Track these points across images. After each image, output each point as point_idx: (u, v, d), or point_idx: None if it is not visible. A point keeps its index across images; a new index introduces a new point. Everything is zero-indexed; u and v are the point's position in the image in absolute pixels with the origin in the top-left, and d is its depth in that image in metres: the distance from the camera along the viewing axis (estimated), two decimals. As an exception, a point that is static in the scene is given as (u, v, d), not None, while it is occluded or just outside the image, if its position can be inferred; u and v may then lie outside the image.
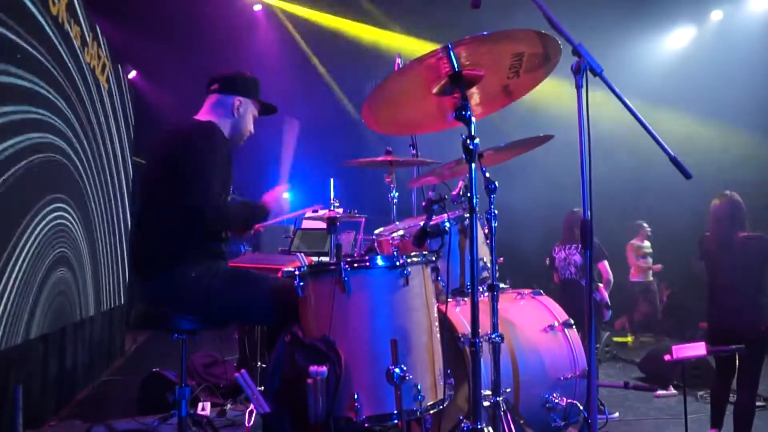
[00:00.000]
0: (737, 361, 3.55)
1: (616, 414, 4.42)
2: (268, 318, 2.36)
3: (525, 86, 2.29)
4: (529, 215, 7.57)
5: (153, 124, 7.57)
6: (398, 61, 3.41)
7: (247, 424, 3.30)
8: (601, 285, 4.66)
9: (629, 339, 7.20)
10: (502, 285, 3.05)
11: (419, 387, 2.03)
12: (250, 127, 2.62)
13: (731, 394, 3.69)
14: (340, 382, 1.97)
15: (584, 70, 1.79)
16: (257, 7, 8.50)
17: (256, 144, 2.90)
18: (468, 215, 2.07)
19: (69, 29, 4.55)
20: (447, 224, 2.42)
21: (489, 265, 2.61)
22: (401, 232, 2.85)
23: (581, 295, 4.64)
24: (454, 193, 2.57)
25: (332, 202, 3.36)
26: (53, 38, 4.16)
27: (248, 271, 2.47)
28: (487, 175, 2.59)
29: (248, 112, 2.59)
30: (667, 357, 3.58)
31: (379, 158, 3.38)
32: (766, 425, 4.03)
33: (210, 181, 2.26)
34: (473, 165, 2.01)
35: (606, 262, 4.65)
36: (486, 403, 2.39)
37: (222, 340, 4.54)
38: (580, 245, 4.71)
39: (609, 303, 4.64)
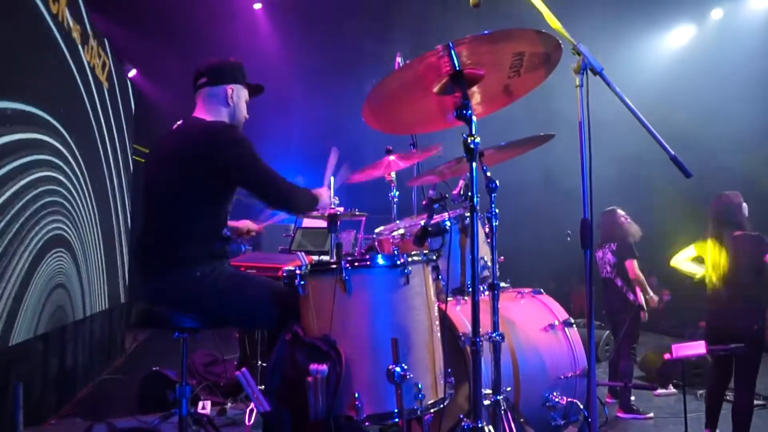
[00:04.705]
0: (734, 361, 3.56)
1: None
2: (268, 322, 2.36)
3: (526, 86, 2.29)
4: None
5: (153, 122, 7.58)
6: (398, 59, 3.40)
7: (247, 423, 3.30)
8: (638, 287, 4.59)
9: None
10: (502, 284, 3.05)
11: (420, 386, 2.03)
12: (245, 112, 2.61)
13: (727, 394, 3.70)
14: (340, 381, 1.97)
15: (584, 69, 1.80)
16: (257, 6, 8.49)
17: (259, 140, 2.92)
18: (469, 214, 2.07)
19: (69, 28, 4.55)
20: (448, 223, 2.42)
21: (489, 264, 2.61)
22: (402, 231, 2.85)
23: (617, 294, 4.64)
24: (454, 192, 2.57)
25: (332, 200, 3.35)
26: (53, 36, 4.16)
27: (250, 275, 2.48)
28: (488, 174, 2.59)
29: (241, 98, 2.57)
30: (666, 356, 3.59)
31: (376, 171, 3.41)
32: (765, 424, 4.04)
33: (273, 174, 2.37)
34: (474, 164, 2.01)
35: (634, 261, 4.58)
36: (486, 402, 2.39)
37: (222, 338, 4.54)
38: (614, 244, 4.69)
39: (643, 305, 4.57)
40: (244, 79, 2.59)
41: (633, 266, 4.57)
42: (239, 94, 2.56)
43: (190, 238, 2.33)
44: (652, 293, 4.68)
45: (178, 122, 2.53)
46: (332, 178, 2.91)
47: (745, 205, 3.73)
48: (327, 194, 2.66)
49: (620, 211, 4.81)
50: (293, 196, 2.44)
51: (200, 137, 2.37)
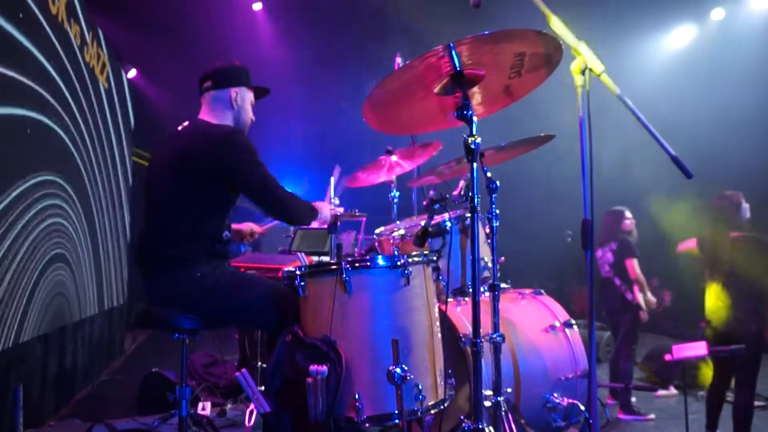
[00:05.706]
0: (735, 362, 3.55)
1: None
2: (267, 322, 2.36)
3: (526, 86, 2.28)
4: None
5: (153, 123, 7.57)
6: (398, 59, 3.39)
7: (247, 424, 3.30)
8: (635, 285, 4.56)
9: None
10: (503, 285, 3.04)
11: (420, 387, 2.03)
12: (251, 115, 2.63)
13: (728, 395, 3.69)
14: (340, 382, 1.97)
15: (585, 69, 1.79)
16: (257, 6, 8.49)
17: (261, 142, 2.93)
18: (469, 215, 2.07)
19: (68, 28, 4.54)
20: (448, 224, 2.41)
21: (490, 264, 2.60)
22: (402, 232, 2.85)
23: (615, 294, 4.61)
24: (455, 192, 2.56)
25: (332, 200, 3.35)
26: (52, 37, 4.15)
27: (251, 275, 2.48)
28: (489, 174, 2.58)
29: (246, 100, 2.58)
30: (667, 357, 3.58)
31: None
32: (766, 425, 4.03)
33: (274, 182, 2.38)
34: (474, 164, 2.00)
35: (635, 261, 4.55)
36: (487, 403, 2.38)
37: (222, 339, 4.53)
38: (615, 243, 4.68)
39: (642, 305, 4.54)
40: (248, 82, 2.60)
41: (633, 265, 4.54)
42: (244, 97, 2.57)
43: (190, 239, 2.34)
44: (650, 295, 4.66)
45: (184, 123, 2.53)
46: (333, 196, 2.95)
47: (746, 206, 3.71)
48: (327, 208, 2.68)
49: (627, 213, 4.79)
50: (292, 207, 2.45)
51: (204, 141, 2.37)
